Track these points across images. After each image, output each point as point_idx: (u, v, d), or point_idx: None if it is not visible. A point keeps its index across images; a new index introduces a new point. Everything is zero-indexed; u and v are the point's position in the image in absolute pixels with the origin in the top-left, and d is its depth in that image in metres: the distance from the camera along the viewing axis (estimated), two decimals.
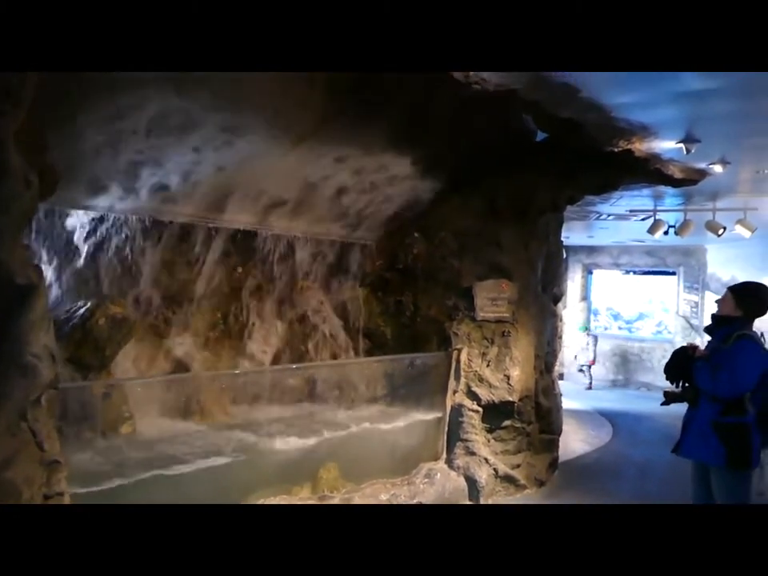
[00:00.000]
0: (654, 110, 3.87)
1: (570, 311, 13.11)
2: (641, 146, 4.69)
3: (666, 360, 3.92)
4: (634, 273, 13.59)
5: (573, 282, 13.65)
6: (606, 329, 13.93)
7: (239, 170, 4.42)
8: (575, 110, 3.90)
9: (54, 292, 4.28)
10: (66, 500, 2.69)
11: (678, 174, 5.42)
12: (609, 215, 8.50)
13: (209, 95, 3.63)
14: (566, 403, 7.26)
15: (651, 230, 7.93)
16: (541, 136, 5.81)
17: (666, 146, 4.71)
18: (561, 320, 7.49)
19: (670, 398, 3.91)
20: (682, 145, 4.54)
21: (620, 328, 14.00)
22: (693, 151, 4.55)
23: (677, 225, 8.42)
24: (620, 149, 4.68)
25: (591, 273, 13.91)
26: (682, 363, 3.78)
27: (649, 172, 5.18)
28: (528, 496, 5.74)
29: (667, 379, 3.87)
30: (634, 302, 13.91)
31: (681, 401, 3.84)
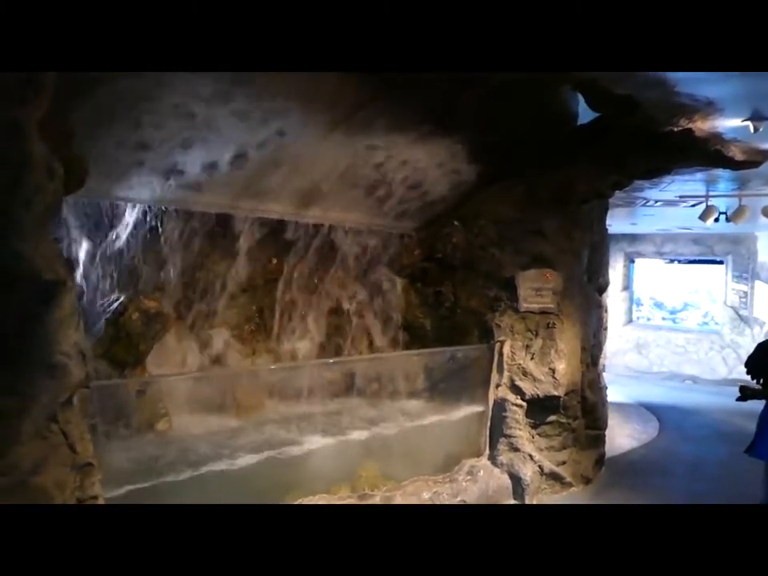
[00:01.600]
0: (723, 83, 3.51)
1: (612, 301, 12.71)
2: (702, 125, 4.37)
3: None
4: (679, 261, 13.12)
5: (614, 271, 13.20)
6: (648, 319, 13.51)
7: (273, 158, 4.28)
8: (634, 86, 3.61)
9: (87, 286, 4.19)
10: (101, 503, 2.60)
11: (739, 156, 5.07)
12: (656, 201, 8.14)
13: (241, 82, 3.49)
14: (609, 396, 7.00)
15: (703, 217, 7.57)
16: (582, 119, 5.57)
17: (731, 124, 4.38)
18: (606, 311, 7.23)
19: (747, 395, 3.67)
20: (749, 123, 4.21)
21: (663, 318, 13.58)
22: (761, 130, 4.22)
23: (728, 211, 8.04)
24: (679, 128, 4.38)
25: (633, 262, 13.47)
26: (766, 358, 3.55)
27: (708, 154, 4.85)
28: (574, 494, 5.54)
29: (748, 374, 3.64)
30: (678, 291, 13.47)
31: (759, 398, 3.60)
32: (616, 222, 10.41)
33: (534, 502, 5.29)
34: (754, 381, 3.63)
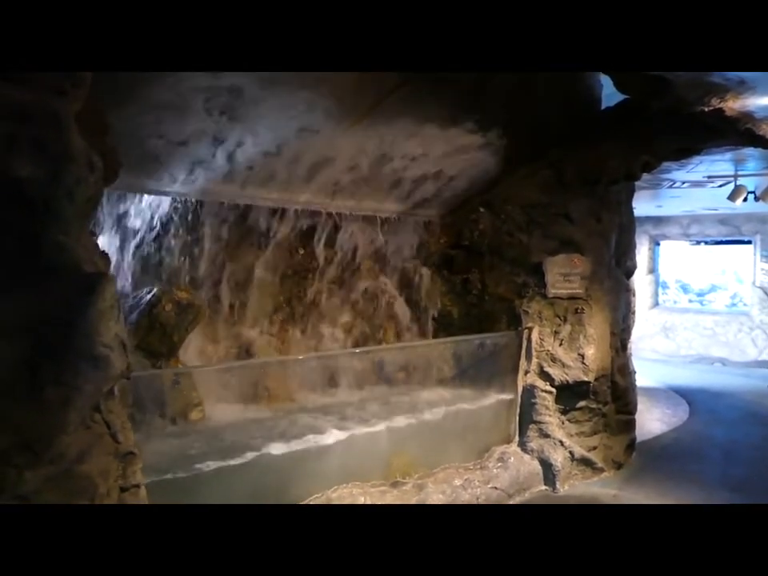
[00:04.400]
0: None
1: (637, 285, 12.58)
2: (734, 104, 4.31)
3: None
4: (705, 243, 12.92)
5: (639, 255, 13.05)
6: (675, 302, 13.35)
7: (300, 150, 4.29)
8: None
9: (120, 279, 4.24)
10: (142, 491, 2.63)
11: None
12: (683, 182, 8.02)
13: (265, 72, 3.49)
14: (637, 381, 6.94)
15: (732, 197, 7.45)
16: (607, 102, 5.51)
17: (763, 102, 4.30)
18: (633, 294, 7.16)
19: None
20: None
21: (690, 301, 13.41)
22: None
23: (757, 190, 7.91)
24: (710, 108, 4.31)
25: (658, 244, 13.30)
26: None
27: (738, 133, 4.77)
28: (606, 479, 5.50)
29: None
30: (705, 273, 13.28)
31: None
32: (641, 205, 10.26)
33: (566, 488, 5.28)
34: None
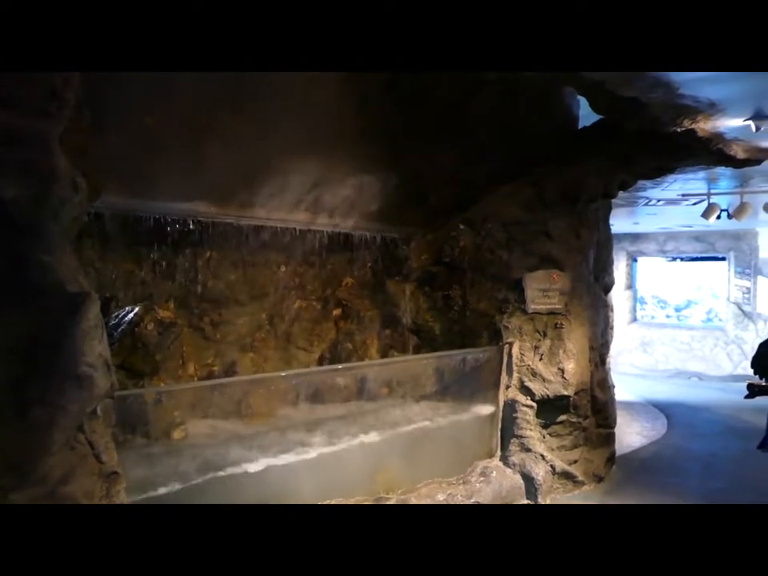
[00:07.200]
0: (725, 84, 3.60)
1: (616, 300, 12.78)
2: (705, 125, 4.44)
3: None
4: (681, 259, 13.17)
5: (617, 271, 13.24)
6: (652, 317, 13.56)
7: (277, 166, 4.32)
8: (641, 89, 3.66)
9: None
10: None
11: (740, 155, 5.14)
12: (659, 200, 8.19)
13: (241, 92, 3.53)
14: (616, 395, 7.01)
15: (705, 215, 7.63)
16: (584, 122, 5.65)
17: (733, 124, 4.45)
18: (612, 310, 7.26)
19: (755, 391, 3.73)
20: (750, 122, 4.28)
21: (668, 316, 13.63)
22: (763, 129, 4.28)
23: (730, 208, 8.11)
24: (683, 129, 4.44)
25: (636, 260, 13.53)
26: None
27: (710, 153, 4.92)
28: (587, 492, 5.56)
29: (755, 373, 3.70)
30: (681, 289, 13.53)
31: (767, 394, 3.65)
32: (618, 222, 10.47)
33: (548, 502, 5.31)
34: (763, 379, 3.68)
